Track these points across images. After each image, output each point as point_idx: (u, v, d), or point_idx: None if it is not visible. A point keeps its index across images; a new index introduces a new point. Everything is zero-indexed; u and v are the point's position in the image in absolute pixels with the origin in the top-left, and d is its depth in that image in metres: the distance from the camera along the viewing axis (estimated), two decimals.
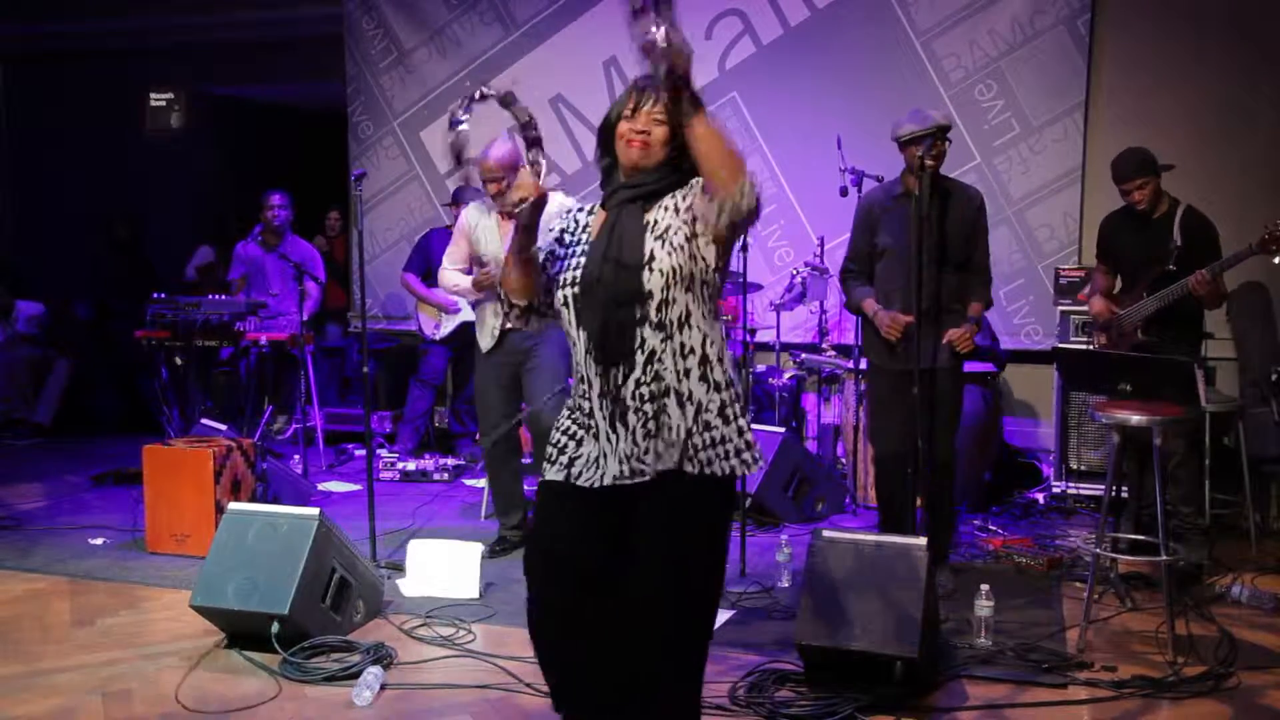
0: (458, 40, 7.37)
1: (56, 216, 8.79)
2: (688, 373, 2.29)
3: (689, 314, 2.27)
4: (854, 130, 5.83)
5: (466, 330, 6.64)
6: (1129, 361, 4.00)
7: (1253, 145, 5.95)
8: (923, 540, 3.33)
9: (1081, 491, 5.56)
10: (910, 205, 3.94)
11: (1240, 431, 5.03)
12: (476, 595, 4.10)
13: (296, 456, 6.29)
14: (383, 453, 6.48)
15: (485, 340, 4.58)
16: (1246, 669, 3.45)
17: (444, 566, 4.15)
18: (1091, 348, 4.95)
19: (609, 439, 2.32)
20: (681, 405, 2.29)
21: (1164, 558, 3.61)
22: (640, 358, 2.28)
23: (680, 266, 2.26)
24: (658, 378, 2.29)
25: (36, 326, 7.87)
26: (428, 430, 6.99)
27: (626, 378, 2.29)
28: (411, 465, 6.29)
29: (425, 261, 6.50)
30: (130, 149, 8.48)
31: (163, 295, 6.17)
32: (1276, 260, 4.09)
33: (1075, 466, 5.60)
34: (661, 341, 2.28)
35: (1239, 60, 5.95)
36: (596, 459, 2.35)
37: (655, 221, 2.31)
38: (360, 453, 6.75)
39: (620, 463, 2.31)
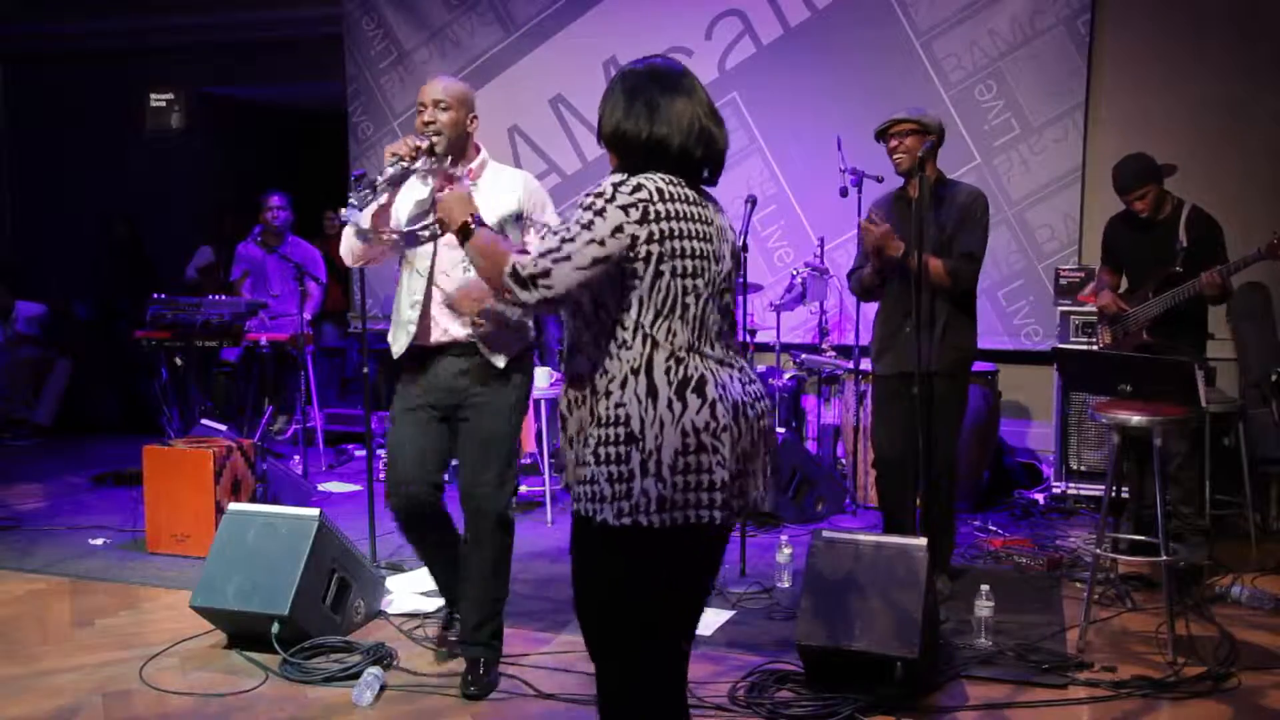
0: (458, 40, 7.36)
1: (56, 216, 8.79)
2: (579, 401, 2.15)
3: (579, 339, 2.16)
4: (854, 131, 5.82)
5: None
6: (1129, 362, 4.00)
7: (1253, 145, 5.95)
8: (923, 540, 3.33)
9: (1081, 492, 5.56)
10: (905, 208, 3.94)
11: (1241, 432, 5.03)
12: None
13: (296, 457, 6.29)
14: (382, 453, 6.46)
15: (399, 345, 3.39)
16: (1246, 669, 3.45)
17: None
18: (1094, 348, 4.96)
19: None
20: (569, 429, 2.19)
21: (1164, 558, 3.61)
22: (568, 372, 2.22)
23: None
24: (564, 396, 2.21)
25: (37, 327, 7.87)
26: None
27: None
28: None
29: None
30: (130, 149, 8.48)
31: (163, 295, 6.17)
32: None
33: (1075, 467, 5.60)
34: (567, 367, 2.23)
35: (1239, 60, 5.95)
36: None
37: None
38: (360, 453, 6.75)
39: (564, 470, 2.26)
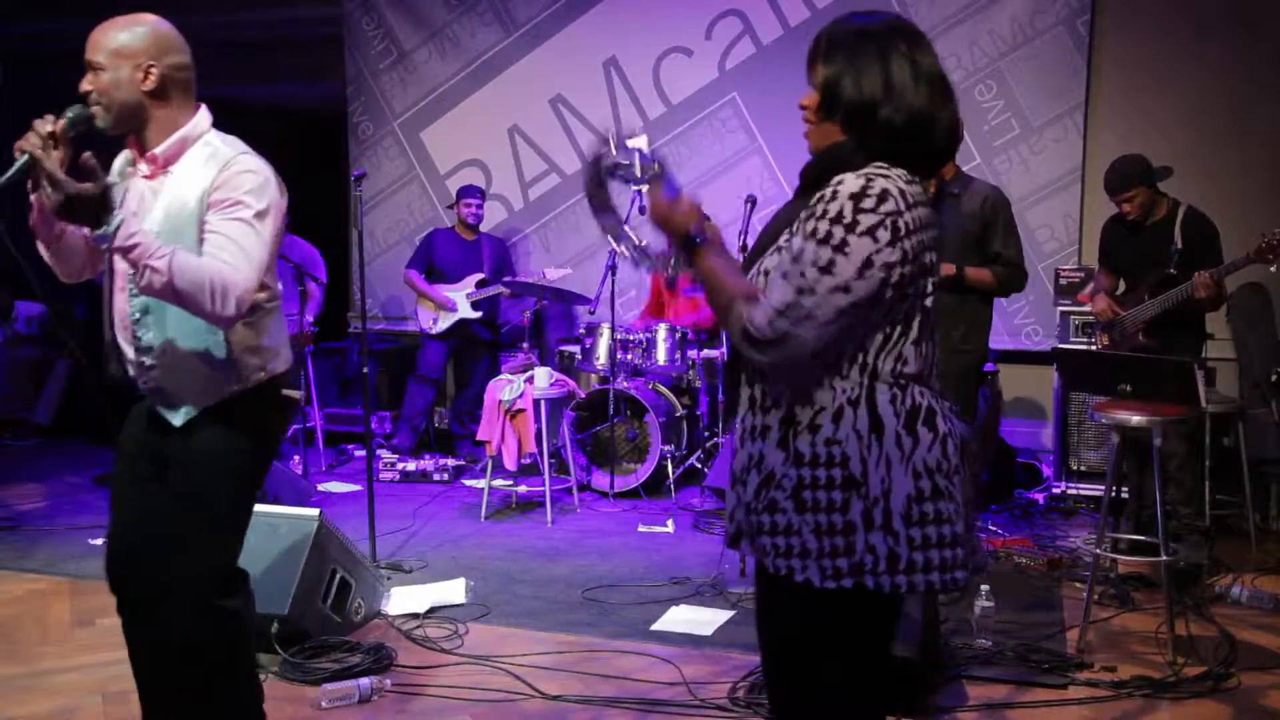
0: (458, 41, 7.36)
1: None
2: (760, 431, 1.77)
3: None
4: None
5: (464, 326, 6.68)
6: (1129, 362, 4.00)
7: (1253, 145, 5.95)
8: None
9: (1081, 492, 5.56)
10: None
11: (1240, 432, 5.03)
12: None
13: (296, 457, 6.30)
14: (383, 453, 6.48)
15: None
16: (1246, 669, 3.45)
17: (427, 601, 4.06)
18: (1093, 348, 4.96)
19: None
20: (736, 463, 1.81)
21: (1164, 558, 3.61)
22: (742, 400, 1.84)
23: None
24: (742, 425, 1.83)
25: (37, 327, 7.87)
26: (427, 429, 6.99)
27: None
28: (411, 466, 6.29)
29: (428, 259, 6.79)
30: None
31: None
32: (1273, 269, 4.10)
33: (1075, 467, 5.60)
34: (746, 386, 1.83)
35: (1239, 60, 5.95)
36: None
37: None
38: (360, 453, 6.75)
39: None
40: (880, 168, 1.70)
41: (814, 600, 1.70)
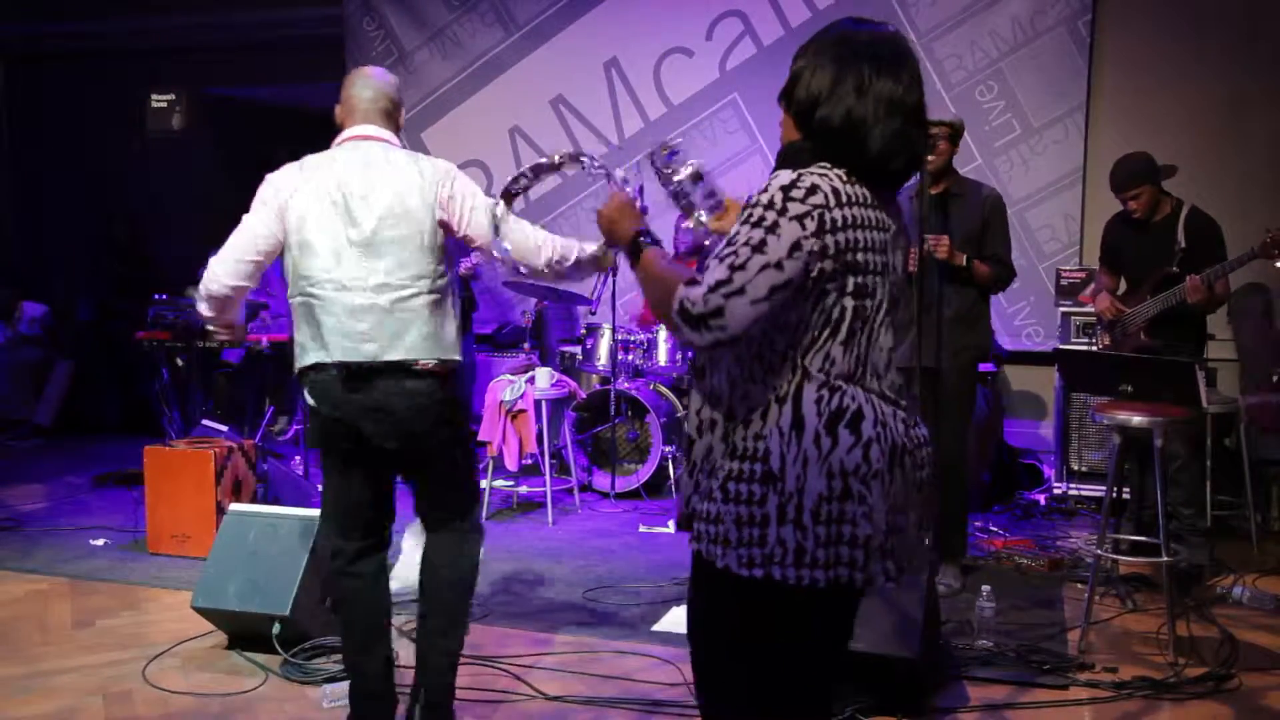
0: (458, 41, 7.36)
1: (56, 217, 8.79)
2: (711, 424, 1.84)
3: (718, 353, 1.82)
4: None
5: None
6: (1130, 362, 4.00)
7: (1253, 145, 5.95)
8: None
9: (1082, 492, 5.56)
10: (914, 205, 3.95)
11: (1241, 433, 5.03)
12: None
13: (298, 457, 6.29)
14: None
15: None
16: (1247, 670, 3.45)
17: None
18: (1094, 349, 4.96)
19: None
20: (695, 453, 1.88)
21: (1165, 559, 3.61)
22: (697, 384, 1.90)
23: None
24: (695, 416, 1.90)
25: (39, 327, 7.87)
26: None
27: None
28: None
29: None
30: (130, 149, 8.48)
31: (164, 296, 6.16)
32: (1279, 264, 4.09)
33: (1076, 467, 5.60)
34: (700, 382, 1.89)
35: (1239, 60, 5.95)
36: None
37: None
38: None
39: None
40: (820, 167, 1.78)
41: (733, 587, 1.77)
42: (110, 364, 7.77)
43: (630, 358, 5.92)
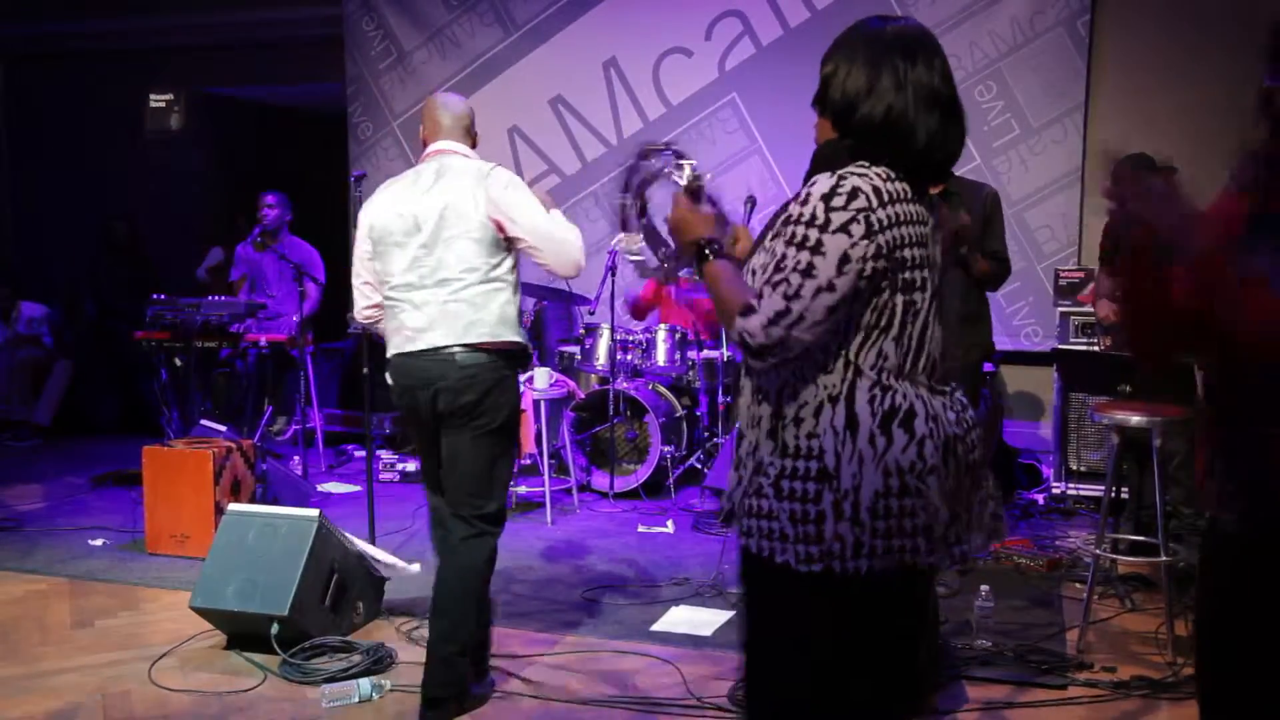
0: (457, 41, 7.37)
1: (56, 216, 8.79)
2: (756, 420, 1.86)
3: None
4: None
5: None
6: (1129, 362, 4.00)
7: (1253, 146, 5.94)
8: None
9: (1081, 492, 5.56)
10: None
11: None
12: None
13: (296, 458, 6.30)
14: (383, 454, 6.48)
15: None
16: None
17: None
18: (1093, 349, 4.96)
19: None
20: (742, 449, 1.90)
21: (1164, 558, 3.61)
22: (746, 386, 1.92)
23: None
24: (744, 411, 1.92)
25: (38, 328, 7.87)
26: None
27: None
28: (411, 466, 6.28)
29: None
30: (130, 149, 8.48)
31: (163, 296, 6.16)
32: None
33: (1075, 467, 5.60)
34: (750, 377, 1.91)
35: (1239, 60, 5.94)
36: None
37: None
38: (360, 453, 6.75)
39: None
40: (859, 166, 1.77)
41: (791, 581, 1.78)
42: (109, 364, 7.77)
43: (629, 358, 5.92)
